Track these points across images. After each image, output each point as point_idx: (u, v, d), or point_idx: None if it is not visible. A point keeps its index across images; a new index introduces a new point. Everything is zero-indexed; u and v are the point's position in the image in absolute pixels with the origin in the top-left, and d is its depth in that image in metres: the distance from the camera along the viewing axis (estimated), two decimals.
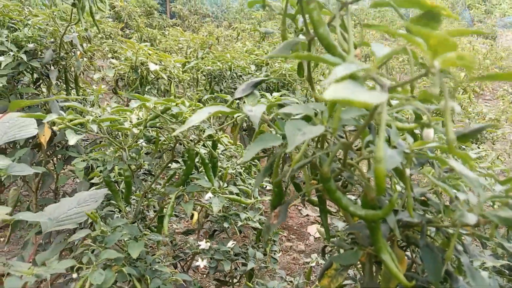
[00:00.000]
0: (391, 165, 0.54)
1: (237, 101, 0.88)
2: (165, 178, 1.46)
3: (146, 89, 2.30)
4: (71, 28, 2.39)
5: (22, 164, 1.21)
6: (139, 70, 2.15)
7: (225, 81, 3.03)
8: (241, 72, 3.12)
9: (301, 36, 0.71)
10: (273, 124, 0.79)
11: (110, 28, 4.41)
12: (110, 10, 5.62)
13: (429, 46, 0.48)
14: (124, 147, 1.20)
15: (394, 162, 0.55)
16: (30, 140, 2.44)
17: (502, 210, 0.65)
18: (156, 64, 2.12)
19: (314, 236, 3.78)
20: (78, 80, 2.52)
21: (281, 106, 0.86)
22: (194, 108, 1.16)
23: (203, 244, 1.76)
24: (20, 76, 2.43)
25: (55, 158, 2.62)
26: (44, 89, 2.58)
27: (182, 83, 2.54)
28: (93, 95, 2.58)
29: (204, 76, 3.10)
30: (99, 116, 1.17)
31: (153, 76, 2.23)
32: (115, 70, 2.07)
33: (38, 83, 2.54)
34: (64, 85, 2.58)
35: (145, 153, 1.31)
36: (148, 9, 7.84)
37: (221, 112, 0.66)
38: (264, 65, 3.38)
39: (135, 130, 1.16)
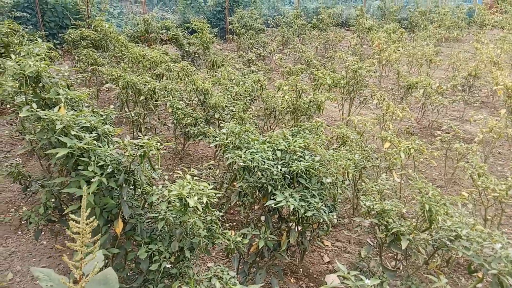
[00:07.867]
0: None
1: None
2: None
3: None
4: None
5: None
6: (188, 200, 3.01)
7: (252, 175, 3.83)
8: (267, 166, 3.88)
9: None
10: None
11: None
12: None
13: None
14: None
15: None
16: (111, 230, 3.44)
17: None
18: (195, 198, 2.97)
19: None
20: (142, 187, 3.45)
21: None
22: None
23: None
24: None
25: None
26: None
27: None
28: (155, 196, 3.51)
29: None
30: None
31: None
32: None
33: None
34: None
35: None
36: (205, 45, 8.70)
37: None
38: (288, 153, 4.10)
39: None
